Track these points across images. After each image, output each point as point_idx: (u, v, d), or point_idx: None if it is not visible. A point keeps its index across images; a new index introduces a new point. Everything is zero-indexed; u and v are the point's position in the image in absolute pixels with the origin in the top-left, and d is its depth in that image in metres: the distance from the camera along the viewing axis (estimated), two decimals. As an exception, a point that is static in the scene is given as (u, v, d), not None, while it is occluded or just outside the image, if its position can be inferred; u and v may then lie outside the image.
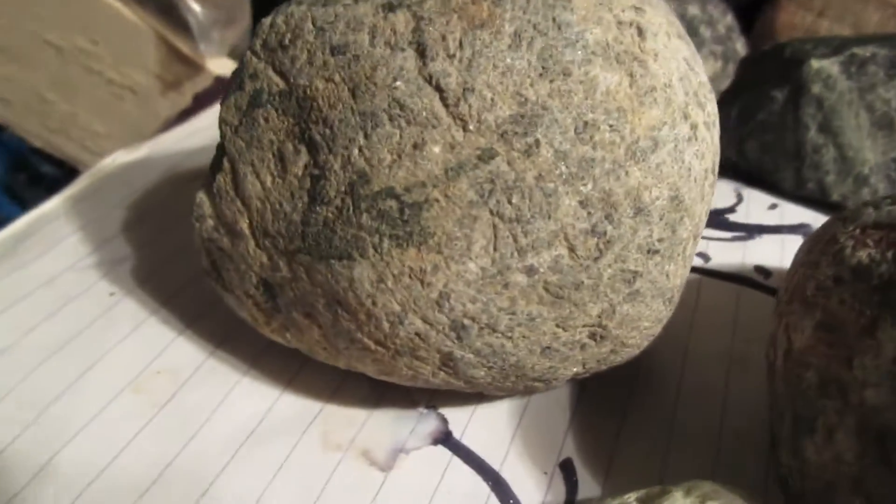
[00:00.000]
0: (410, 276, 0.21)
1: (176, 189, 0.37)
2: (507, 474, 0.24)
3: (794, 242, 0.36)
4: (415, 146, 0.21)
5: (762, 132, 0.40)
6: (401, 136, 0.21)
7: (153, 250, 0.33)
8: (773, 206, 0.39)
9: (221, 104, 0.24)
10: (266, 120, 0.23)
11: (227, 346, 0.28)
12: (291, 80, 0.22)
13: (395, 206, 0.21)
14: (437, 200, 0.20)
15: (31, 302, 0.30)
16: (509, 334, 0.22)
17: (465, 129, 0.20)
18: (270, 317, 0.25)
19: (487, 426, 0.26)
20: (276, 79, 0.23)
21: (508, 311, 0.21)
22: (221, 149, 0.24)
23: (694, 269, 0.33)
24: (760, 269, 0.33)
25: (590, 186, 0.20)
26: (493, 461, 0.25)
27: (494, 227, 0.20)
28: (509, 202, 0.20)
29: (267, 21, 0.23)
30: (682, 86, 0.22)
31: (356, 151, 0.21)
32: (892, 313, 0.18)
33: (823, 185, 0.38)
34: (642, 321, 0.23)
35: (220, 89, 0.56)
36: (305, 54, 0.22)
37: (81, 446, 0.24)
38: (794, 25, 0.52)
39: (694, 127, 0.22)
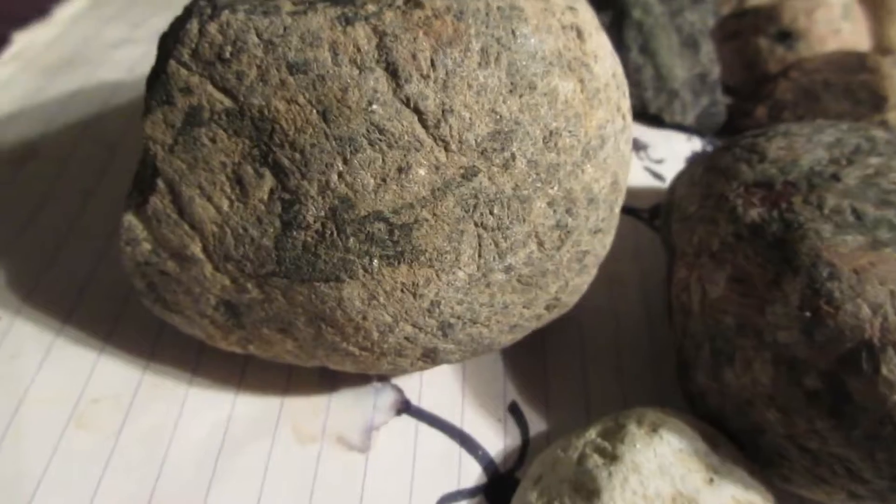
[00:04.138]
0: (402, 291, 0.22)
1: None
2: (468, 428, 0.27)
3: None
4: (399, 170, 0.21)
5: (588, 51, 0.44)
6: (384, 161, 0.21)
7: (23, 255, 0.29)
8: (604, 122, 0.43)
9: (143, 117, 0.22)
10: (213, 140, 0.21)
11: (158, 359, 0.27)
12: (241, 99, 0.21)
13: (384, 228, 0.21)
14: (427, 220, 0.21)
15: None
16: (487, 323, 0.24)
17: (447, 149, 0.21)
18: (230, 332, 0.24)
19: (439, 388, 0.28)
20: (219, 96, 0.21)
21: (488, 304, 0.23)
22: (152, 168, 0.22)
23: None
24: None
25: (556, 188, 0.23)
26: (453, 419, 0.28)
27: (479, 237, 0.22)
28: (491, 213, 0.22)
29: (193, 27, 0.21)
30: (615, 82, 0.24)
31: (335, 177, 0.21)
32: (791, 267, 0.23)
33: (643, 100, 0.43)
34: (583, 286, 0.26)
35: None
36: (255, 70, 0.21)
37: (48, 501, 0.23)
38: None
39: (624, 116, 0.24)
